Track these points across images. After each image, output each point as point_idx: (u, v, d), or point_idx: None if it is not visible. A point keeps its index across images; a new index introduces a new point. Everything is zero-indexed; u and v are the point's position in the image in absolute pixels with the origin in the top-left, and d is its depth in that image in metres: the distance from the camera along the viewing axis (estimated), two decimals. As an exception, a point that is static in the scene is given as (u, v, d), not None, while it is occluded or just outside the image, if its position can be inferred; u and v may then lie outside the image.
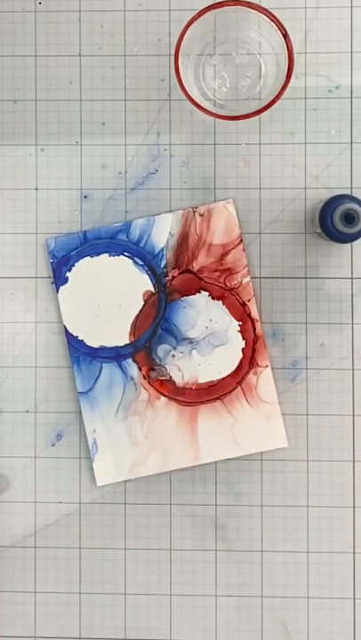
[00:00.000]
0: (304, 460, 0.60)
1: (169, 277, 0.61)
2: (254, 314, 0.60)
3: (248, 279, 0.60)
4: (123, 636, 0.61)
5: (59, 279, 0.61)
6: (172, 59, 0.60)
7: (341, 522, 0.60)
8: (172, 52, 0.60)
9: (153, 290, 0.61)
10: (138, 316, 0.61)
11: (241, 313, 0.60)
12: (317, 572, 0.60)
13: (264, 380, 0.60)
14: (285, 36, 0.54)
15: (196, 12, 0.55)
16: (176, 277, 0.61)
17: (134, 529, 0.61)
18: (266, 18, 0.55)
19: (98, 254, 0.61)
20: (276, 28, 0.55)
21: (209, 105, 0.58)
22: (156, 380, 0.61)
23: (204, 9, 0.55)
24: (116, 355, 0.61)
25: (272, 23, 0.55)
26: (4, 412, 0.61)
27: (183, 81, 0.55)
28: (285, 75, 0.55)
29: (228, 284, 0.60)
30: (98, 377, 0.61)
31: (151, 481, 0.61)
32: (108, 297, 0.61)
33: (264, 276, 0.61)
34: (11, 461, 0.61)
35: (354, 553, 0.60)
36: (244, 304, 0.60)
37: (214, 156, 0.61)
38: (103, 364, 0.61)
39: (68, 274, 0.61)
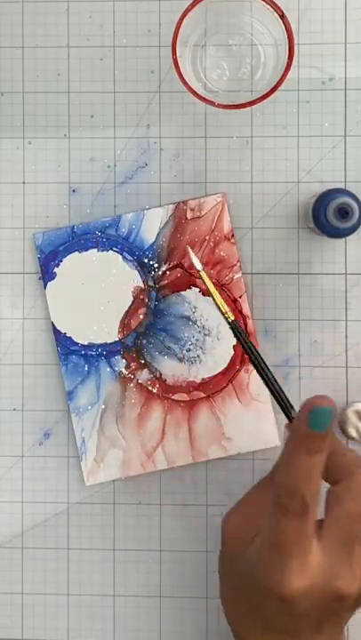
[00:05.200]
0: (297, 459, 0.59)
1: (159, 273, 0.60)
2: (246, 310, 0.59)
3: (240, 275, 0.60)
4: (111, 638, 0.60)
5: (46, 275, 0.60)
6: (162, 50, 0.59)
7: (335, 522, 0.59)
8: (163, 44, 0.59)
9: (142, 286, 0.60)
10: (127, 313, 0.60)
11: (232, 309, 0.59)
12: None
13: (256, 377, 0.59)
14: (283, 17, 0.53)
15: (190, 1, 0.54)
16: (166, 273, 0.60)
17: (123, 529, 0.60)
18: (261, 2, 0.54)
19: (86, 249, 0.60)
20: (273, 10, 0.54)
21: (209, 95, 0.57)
22: (146, 378, 0.60)
23: (197, -2, 0.54)
24: (104, 352, 0.60)
25: (268, 6, 0.54)
26: (-9, 410, 0.61)
27: (182, 72, 0.54)
28: (287, 56, 0.54)
29: (220, 280, 0.60)
30: (86, 374, 0.60)
31: (141, 481, 0.60)
32: (97, 293, 0.60)
33: (256, 272, 0.60)
34: (-2, 460, 0.61)
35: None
36: (235, 300, 0.59)
37: (205, 150, 0.60)
38: (92, 362, 0.60)
39: (55, 269, 0.60)
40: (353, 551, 0.47)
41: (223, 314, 0.53)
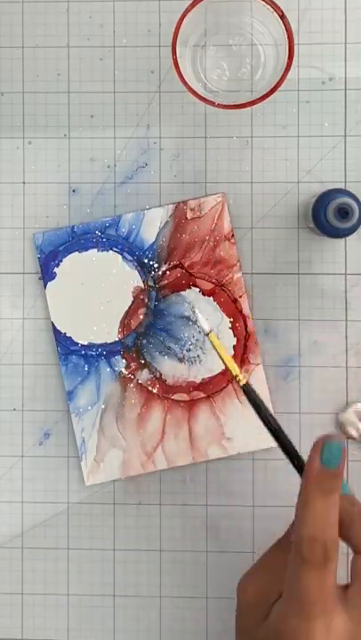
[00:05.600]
0: (297, 459, 0.59)
1: (159, 273, 0.60)
2: (246, 310, 0.59)
3: (240, 275, 0.59)
4: (111, 638, 0.60)
5: (46, 275, 0.60)
6: (162, 50, 0.59)
7: (335, 522, 0.59)
8: (163, 44, 0.59)
9: (142, 285, 0.60)
10: (127, 313, 0.60)
11: (232, 309, 0.59)
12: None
13: (256, 377, 0.59)
14: (283, 17, 0.53)
15: (190, 1, 0.54)
16: (166, 273, 0.60)
17: (123, 529, 0.60)
18: (261, 2, 0.54)
19: (86, 249, 0.60)
20: (273, 10, 0.54)
21: (209, 95, 0.57)
22: (146, 378, 0.60)
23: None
24: (104, 352, 0.60)
25: (268, 6, 0.54)
26: (-9, 410, 0.61)
27: (182, 72, 0.54)
28: (287, 56, 0.53)
29: (220, 280, 0.59)
30: (86, 374, 0.60)
31: (141, 481, 0.60)
32: (97, 293, 0.60)
33: (256, 272, 0.60)
34: (-2, 460, 0.61)
35: (347, 554, 0.59)
36: (235, 300, 0.59)
37: (205, 150, 0.60)
38: (92, 362, 0.60)
39: (55, 269, 0.60)
40: None
41: (234, 377, 0.51)
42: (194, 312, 0.54)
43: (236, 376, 0.51)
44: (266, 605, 0.48)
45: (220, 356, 0.51)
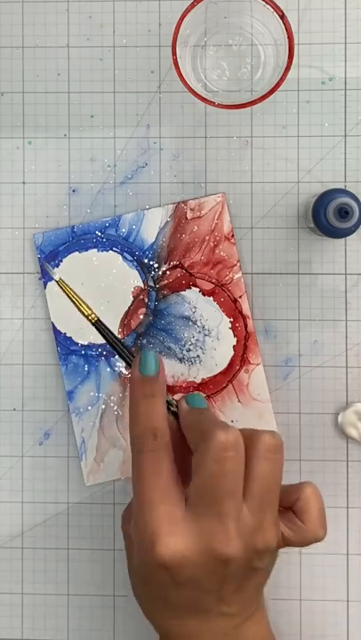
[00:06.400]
0: (297, 459, 0.59)
1: (159, 273, 0.60)
2: (246, 310, 0.59)
3: (240, 275, 0.59)
4: (111, 638, 0.60)
5: (46, 275, 0.60)
6: (162, 50, 0.59)
7: (335, 522, 0.59)
8: (163, 44, 0.59)
9: (143, 286, 0.60)
10: (127, 313, 0.60)
11: (232, 309, 0.59)
12: (310, 573, 0.59)
13: (256, 377, 0.59)
14: (283, 17, 0.53)
15: (190, 1, 0.54)
16: (166, 273, 0.60)
17: (123, 529, 0.60)
18: (261, 2, 0.54)
19: (86, 249, 0.60)
20: (273, 10, 0.54)
21: (209, 95, 0.57)
22: (146, 378, 0.60)
23: (197, -2, 0.54)
24: (104, 352, 0.60)
25: (268, 6, 0.54)
26: (-9, 410, 0.61)
27: (182, 72, 0.54)
28: (287, 56, 0.54)
29: (220, 280, 0.59)
30: (86, 375, 0.60)
31: (141, 481, 0.60)
32: (97, 293, 0.60)
33: (256, 272, 0.60)
34: (-2, 460, 0.61)
35: (348, 554, 0.59)
36: (235, 300, 0.59)
37: (205, 150, 0.60)
38: (92, 362, 0.60)
39: (55, 269, 0.60)
40: (222, 510, 0.47)
41: (86, 316, 0.58)
42: None
43: (88, 315, 0.58)
44: (129, 520, 0.52)
45: (71, 299, 0.58)
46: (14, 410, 0.61)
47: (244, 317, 0.59)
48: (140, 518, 0.48)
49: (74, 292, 0.58)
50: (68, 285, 0.58)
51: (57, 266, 0.60)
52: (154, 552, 0.47)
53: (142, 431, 0.50)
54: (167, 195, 0.60)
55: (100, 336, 0.59)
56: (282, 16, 0.54)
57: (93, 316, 0.58)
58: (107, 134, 0.60)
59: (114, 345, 0.57)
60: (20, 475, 0.61)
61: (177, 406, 0.53)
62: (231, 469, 0.47)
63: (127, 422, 0.59)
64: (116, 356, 0.60)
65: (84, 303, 0.58)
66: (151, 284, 0.60)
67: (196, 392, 0.56)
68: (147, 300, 0.60)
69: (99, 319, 0.58)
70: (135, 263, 0.60)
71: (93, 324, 0.57)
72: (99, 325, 0.58)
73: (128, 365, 0.57)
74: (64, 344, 0.60)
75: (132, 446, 0.51)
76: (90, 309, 0.58)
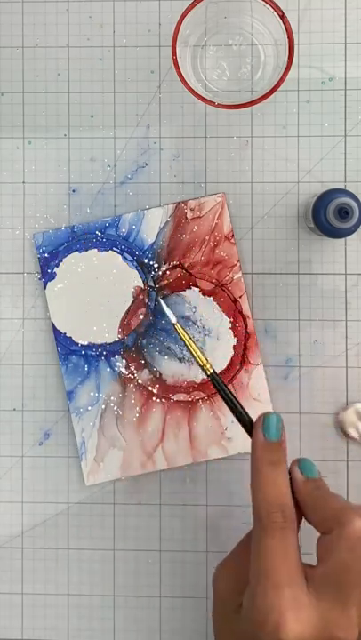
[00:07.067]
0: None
1: (159, 273, 0.60)
2: (246, 310, 0.59)
3: (240, 275, 0.59)
4: (111, 638, 0.60)
5: (46, 275, 0.60)
6: (162, 50, 0.59)
7: (335, 522, 0.59)
8: (163, 44, 0.59)
9: (142, 286, 0.60)
10: (127, 313, 0.60)
11: (232, 309, 0.59)
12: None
13: (256, 377, 0.59)
14: (283, 17, 0.53)
15: (190, 1, 0.54)
16: (166, 273, 0.60)
17: (123, 530, 0.60)
18: (261, 2, 0.54)
19: (86, 249, 0.60)
20: (273, 10, 0.54)
21: (209, 95, 0.57)
22: (146, 378, 0.60)
23: (196, -2, 0.54)
24: (104, 352, 0.60)
25: (268, 6, 0.54)
26: (-9, 410, 0.61)
27: (182, 72, 0.54)
28: (287, 56, 0.54)
29: (220, 280, 0.59)
30: (86, 375, 0.60)
31: (141, 481, 0.60)
32: (97, 293, 0.60)
33: (256, 272, 0.60)
34: (-2, 460, 0.61)
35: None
36: (235, 300, 0.59)
37: (205, 150, 0.60)
38: (92, 362, 0.60)
39: (55, 269, 0.60)
40: (349, 599, 0.46)
41: (202, 366, 0.53)
42: (159, 302, 0.56)
43: (204, 365, 0.53)
44: (239, 595, 0.49)
45: (188, 347, 0.54)
46: (14, 410, 0.61)
47: (244, 317, 0.59)
48: (263, 599, 0.47)
49: (190, 338, 0.54)
50: (186, 332, 0.54)
51: (57, 266, 0.60)
52: (278, 635, 0.46)
53: (269, 506, 0.48)
54: (167, 195, 0.60)
55: (99, 336, 0.59)
56: (282, 16, 0.54)
57: (209, 366, 0.53)
58: (107, 134, 0.60)
59: (230, 402, 0.53)
60: (20, 475, 0.61)
61: (289, 473, 0.51)
62: None
63: (127, 422, 0.60)
64: (117, 357, 0.60)
65: (203, 354, 0.54)
66: (151, 284, 0.60)
67: (307, 458, 0.51)
68: (147, 300, 0.60)
69: (214, 371, 0.53)
70: (135, 263, 0.60)
71: (209, 376, 0.53)
72: (214, 379, 0.53)
73: (244, 426, 0.53)
74: (64, 344, 0.60)
75: (256, 517, 0.49)
76: (207, 360, 0.53)
